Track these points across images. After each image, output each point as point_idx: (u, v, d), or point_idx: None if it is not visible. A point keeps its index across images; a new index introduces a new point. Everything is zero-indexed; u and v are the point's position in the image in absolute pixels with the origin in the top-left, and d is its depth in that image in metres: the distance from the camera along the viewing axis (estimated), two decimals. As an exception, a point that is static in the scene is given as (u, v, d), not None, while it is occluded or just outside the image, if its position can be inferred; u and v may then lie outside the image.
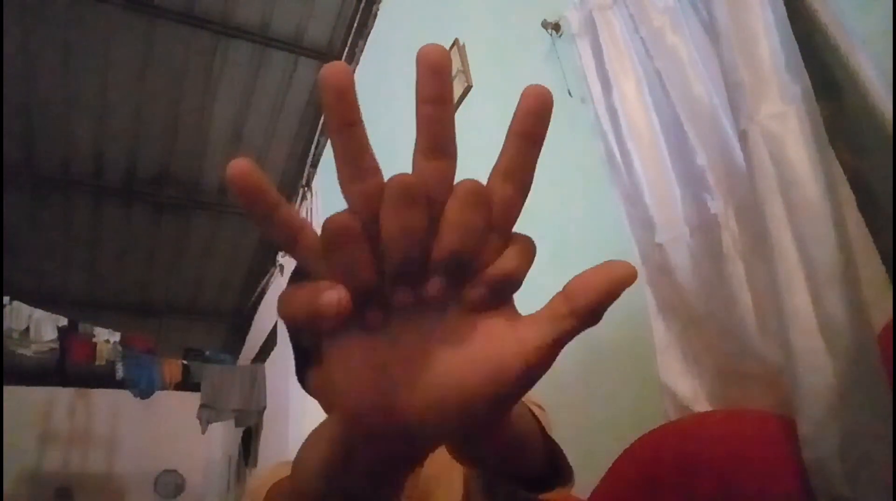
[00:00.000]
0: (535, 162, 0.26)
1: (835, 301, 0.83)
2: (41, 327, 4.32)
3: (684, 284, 1.16)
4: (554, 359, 0.26)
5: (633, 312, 1.26)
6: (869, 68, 0.84)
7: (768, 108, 0.95)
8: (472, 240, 0.24)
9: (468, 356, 0.25)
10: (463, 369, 0.25)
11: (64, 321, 4.44)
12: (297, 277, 0.64)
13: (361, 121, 0.23)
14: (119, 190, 4.23)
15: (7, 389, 4.12)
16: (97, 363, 4.54)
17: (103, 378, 4.99)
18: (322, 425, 0.29)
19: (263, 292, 5.11)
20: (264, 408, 4.64)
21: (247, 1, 3.25)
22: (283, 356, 4.12)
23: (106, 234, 4.54)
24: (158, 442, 5.55)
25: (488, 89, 2.08)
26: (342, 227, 0.23)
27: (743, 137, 0.98)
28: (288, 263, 4.15)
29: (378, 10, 3.17)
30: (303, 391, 0.70)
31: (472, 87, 2.13)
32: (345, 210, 0.24)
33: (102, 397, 5.45)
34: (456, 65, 2.21)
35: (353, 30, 3.36)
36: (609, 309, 0.25)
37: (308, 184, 4.11)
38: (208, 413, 4.54)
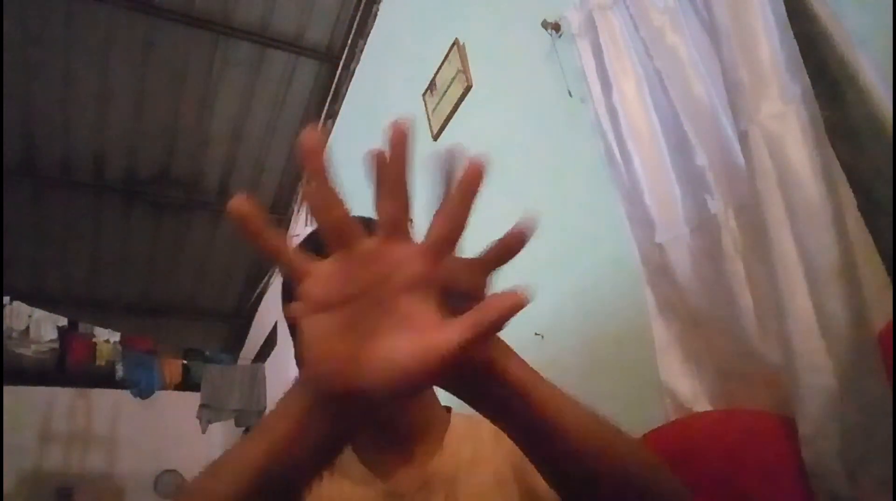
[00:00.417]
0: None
1: (835, 301, 0.83)
2: (41, 327, 4.32)
3: (684, 284, 1.16)
4: (467, 353, 0.33)
5: (633, 312, 1.26)
6: (869, 68, 0.84)
7: (768, 108, 0.95)
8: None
9: (409, 340, 0.33)
10: (405, 349, 0.33)
11: (64, 321, 4.44)
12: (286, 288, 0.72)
13: (328, 170, 0.34)
14: (119, 190, 4.23)
15: (7, 389, 4.12)
16: (97, 363, 4.54)
17: (103, 378, 4.99)
18: (291, 390, 0.38)
19: (263, 292, 5.11)
20: (264, 408, 4.63)
21: (247, 1, 3.25)
22: (283, 356, 4.12)
23: (106, 234, 4.53)
24: (158, 442, 5.54)
25: (488, 89, 2.08)
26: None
27: (743, 137, 0.98)
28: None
29: (378, 10, 3.17)
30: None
31: (472, 87, 2.13)
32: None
33: (102, 397, 5.44)
34: (456, 65, 2.21)
35: (353, 30, 3.35)
36: (609, 309, 0.26)
37: (308, 184, 4.11)
38: (208, 413, 4.54)
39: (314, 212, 0.34)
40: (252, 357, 5.22)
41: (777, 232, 0.91)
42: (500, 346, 0.42)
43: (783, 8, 0.92)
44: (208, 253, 4.90)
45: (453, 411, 0.74)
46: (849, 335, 0.82)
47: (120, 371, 4.63)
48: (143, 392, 4.71)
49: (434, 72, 2.35)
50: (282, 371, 4.08)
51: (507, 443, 0.63)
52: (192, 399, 4.68)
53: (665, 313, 1.20)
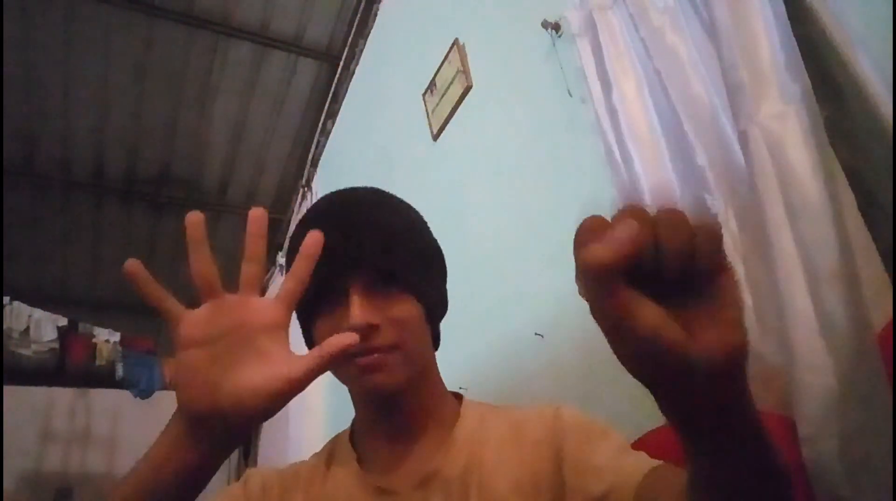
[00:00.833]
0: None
1: (835, 301, 0.83)
2: (41, 327, 4.32)
3: (684, 284, 1.16)
4: (309, 382, 0.43)
5: (633, 312, 1.26)
6: (869, 68, 0.84)
7: (768, 108, 0.95)
8: None
9: (264, 370, 0.42)
10: (259, 379, 0.42)
11: (64, 321, 4.44)
12: None
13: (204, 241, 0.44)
14: (119, 190, 4.23)
15: (7, 389, 4.11)
16: (97, 363, 4.55)
17: (103, 378, 4.99)
18: (170, 419, 0.45)
19: (263, 292, 5.10)
20: (264, 408, 4.63)
21: (247, 1, 3.25)
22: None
23: (106, 234, 4.53)
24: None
25: (488, 89, 2.08)
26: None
27: (743, 137, 0.98)
28: (287, 262, 4.14)
29: (378, 10, 3.17)
30: (302, 392, 0.70)
31: (471, 87, 2.13)
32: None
33: (102, 397, 5.43)
34: (456, 65, 2.21)
35: (353, 30, 3.35)
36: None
37: (308, 184, 4.11)
38: (208, 413, 4.54)
39: (193, 271, 0.43)
40: (252, 357, 5.21)
41: (777, 232, 0.91)
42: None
43: (783, 8, 0.92)
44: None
45: (465, 401, 0.70)
46: (849, 335, 0.82)
47: (120, 371, 4.63)
48: (143, 392, 4.72)
49: (434, 72, 2.35)
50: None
51: (536, 447, 0.61)
52: (192, 399, 4.67)
53: (665, 313, 1.20)
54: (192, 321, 0.43)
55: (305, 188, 4.13)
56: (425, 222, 0.72)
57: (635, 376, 0.32)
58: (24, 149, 3.81)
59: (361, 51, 3.35)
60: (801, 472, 0.84)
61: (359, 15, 3.29)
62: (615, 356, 0.33)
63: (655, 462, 0.55)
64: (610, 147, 1.32)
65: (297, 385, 0.42)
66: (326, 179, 3.85)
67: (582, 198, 1.60)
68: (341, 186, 0.71)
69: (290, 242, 0.65)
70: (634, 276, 0.28)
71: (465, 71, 2.15)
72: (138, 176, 4.16)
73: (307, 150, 4.09)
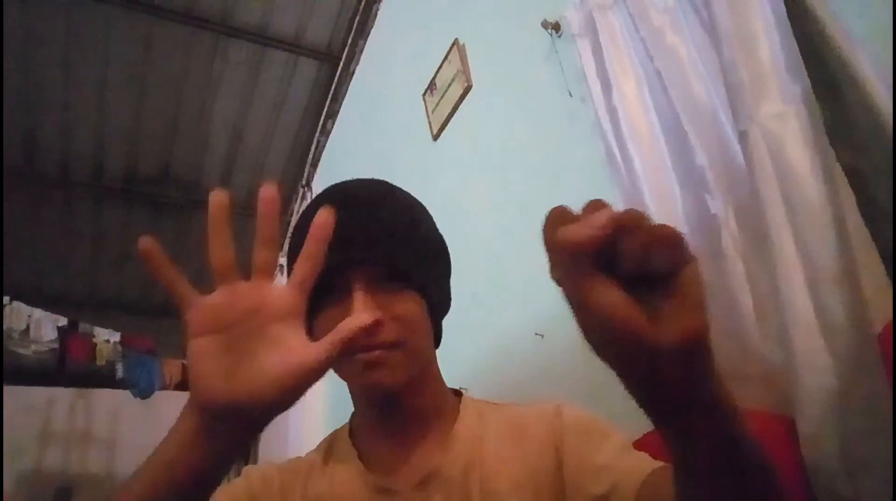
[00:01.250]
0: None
1: (835, 301, 0.83)
2: (41, 327, 4.32)
3: (684, 284, 1.16)
4: (326, 370, 0.41)
5: (633, 312, 1.26)
6: (869, 68, 0.84)
7: (768, 108, 0.95)
8: None
9: (280, 359, 0.40)
10: (276, 368, 0.40)
11: (64, 321, 4.44)
12: None
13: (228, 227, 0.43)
14: (119, 190, 4.23)
15: (7, 389, 4.11)
16: (97, 363, 4.54)
17: (103, 378, 4.99)
18: (181, 413, 0.42)
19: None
20: (264, 408, 4.63)
21: (247, 1, 3.25)
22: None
23: (106, 234, 4.53)
24: (158, 442, 5.54)
25: (488, 89, 2.08)
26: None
27: (743, 137, 0.98)
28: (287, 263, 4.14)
29: (378, 10, 3.17)
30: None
31: (471, 87, 2.13)
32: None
33: (102, 397, 5.44)
34: (456, 65, 2.21)
35: (353, 30, 3.35)
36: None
37: (308, 184, 4.11)
38: (208, 413, 4.54)
39: (211, 252, 0.43)
40: (252, 357, 5.22)
41: (777, 232, 0.91)
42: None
43: (783, 8, 0.92)
44: (208, 253, 4.90)
45: (464, 397, 0.70)
46: (849, 335, 0.82)
47: (120, 371, 4.63)
48: (143, 392, 4.71)
49: (434, 72, 2.35)
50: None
51: (537, 446, 0.61)
52: (192, 399, 4.67)
53: (665, 313, 1.20)
54: (205, 306, 0.41)
55: (305, 188, 4.13)
56: (431, 217, 0.70)
57: (599, 356, 0.34)
58: (24, 149, 3.81)
59: (361, 51, 3.35)
60: (801, 472, 0.84)
61: (359, 15, 3.29)
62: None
63: (658, 463, 0.55)
64: (610, 147, 1.32)
65: (315, 374, 0.40)
66: (326, 180, 3.84)
67: (582, 198, 1.60)
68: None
69: (291, 238, 0.61)
70: (605, 266, 0.30)
71: (465, 71, 2.15)
72: (138, 176, 4.16)
73: (307, 150, 4.09)
